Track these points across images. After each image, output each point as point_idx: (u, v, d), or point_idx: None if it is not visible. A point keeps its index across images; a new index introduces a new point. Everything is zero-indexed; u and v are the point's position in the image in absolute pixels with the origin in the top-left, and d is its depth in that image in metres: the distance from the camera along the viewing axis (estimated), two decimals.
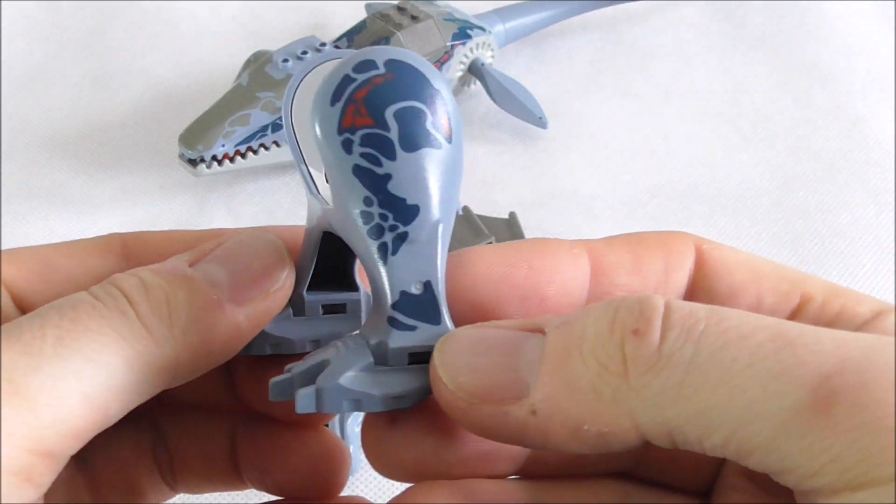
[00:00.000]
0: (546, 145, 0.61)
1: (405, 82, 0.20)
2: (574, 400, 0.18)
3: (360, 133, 0.20)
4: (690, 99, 0.64)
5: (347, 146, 0.20)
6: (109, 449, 0.26)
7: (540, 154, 0.60)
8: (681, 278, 0.23)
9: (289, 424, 0.27)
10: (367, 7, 0.66)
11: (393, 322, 0.21)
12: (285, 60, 0.56)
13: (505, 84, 0.61)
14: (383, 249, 0.21)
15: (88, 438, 0.20)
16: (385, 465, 0.22)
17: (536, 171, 0.59)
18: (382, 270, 0.21)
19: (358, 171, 0.20)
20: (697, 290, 0.23)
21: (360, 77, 0.20)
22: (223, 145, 0.54)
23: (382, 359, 0.21)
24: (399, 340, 0.21)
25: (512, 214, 0.52)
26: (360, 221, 0.20)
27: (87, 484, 0.26)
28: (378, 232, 0.20)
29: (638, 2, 0.69)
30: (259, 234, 0.24)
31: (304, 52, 0.57)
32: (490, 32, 0.62)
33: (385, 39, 0.59)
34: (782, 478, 0.17)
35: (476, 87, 0.63)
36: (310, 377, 0.21)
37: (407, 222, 0.20)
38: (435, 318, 0.21)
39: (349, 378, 0.20)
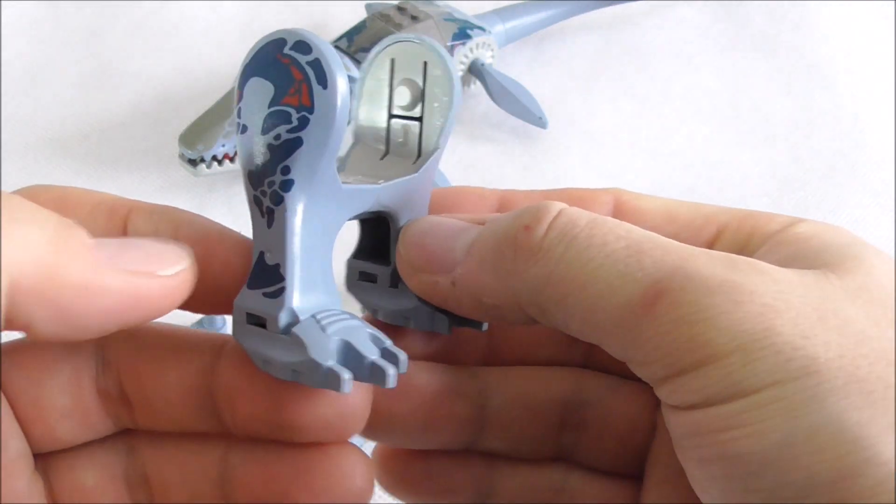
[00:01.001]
0: (546, 145, 0.61)
1: None
2: (480, 277, 0.23)
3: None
4: (690, 99, 0.64)
5: None
6: (72, 473, 0.23)
7: (540, 154, 0.60)
8: None
9: (293, 446, 0.23)
10: (367, 7, 0.66)
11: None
12: None
13: (505, 84, 0.61)
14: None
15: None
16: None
17: (536, 171, 0.59)
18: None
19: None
20: None
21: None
22: (223, 145, 0.54)
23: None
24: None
25: None
26: None
27: None
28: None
29: (638, 2, 0.69)
30: (170, 241, 0.22)
31: None
32: (490, 32, 0.62)
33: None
34: (633, 369, 0.21)
35: (476, 87, 0.63)
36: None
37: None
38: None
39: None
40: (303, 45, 0.20)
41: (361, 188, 0.23)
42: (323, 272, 0.23)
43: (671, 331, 0.20)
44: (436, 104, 0.25)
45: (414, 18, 0.60)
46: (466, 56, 0.62)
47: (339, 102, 0.20)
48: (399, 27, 0.59)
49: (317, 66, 0.20)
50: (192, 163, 0.54)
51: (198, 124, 0.54)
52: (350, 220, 0.24)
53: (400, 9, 0.61)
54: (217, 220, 0.24)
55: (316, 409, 0.22)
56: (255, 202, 0.22)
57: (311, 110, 0.20)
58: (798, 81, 0.65)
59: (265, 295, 0.22)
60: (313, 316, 0.22)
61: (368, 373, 0.21)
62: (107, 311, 0.20)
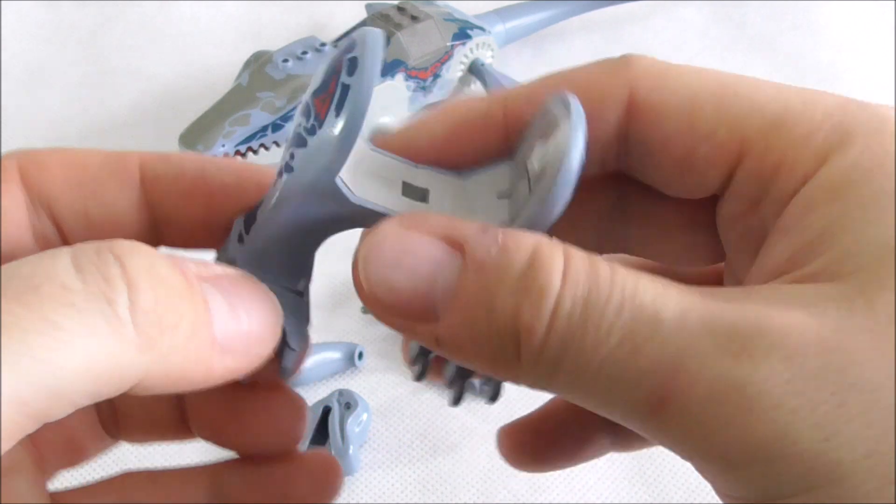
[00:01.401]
0: None
1: None
2: (471, 348, 0.20)
3: None
4: None
5: None
6: None
7: None
8: (608, 128, 0.23)
9: (242, 384, 0.24)
10: (367, 7, 0.66)
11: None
12: (285, 60, 0.56)
13: (505, 84, 0.61)
14: None
15: (17, 440, 0.17)
16: None
17: None
18: None
19: None
20: (629, 139, 0.23)
21: None
22: (223, 145, 0.54)
23: None
24: None
25: None
26: None
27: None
28: None
29: (638, 2, 0.69)
30: (266, 289, 0.21)
31: (304, 52, 0.57)
32: (490, 32, 0.62)
33: (385, 39, 0.58)
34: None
35: (476, 87, 0.63)
36: None
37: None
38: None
39: None
40: (353, 61, 0.20)
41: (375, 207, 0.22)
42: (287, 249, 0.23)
43: (683, 439, 0.19)
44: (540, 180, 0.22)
45: (414, 18, 0.60)
46: (466, 56, 0.62)
47: (333, 142, 0.20)
48: (399, 27, 0.59)
49: (345, 91, 0.20)
50: None
51: (198, 124, 0.54)
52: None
53: (400, 9, 0.61)
54: None
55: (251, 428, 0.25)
56: (282, 168, 0.22)
57: (320, 124, 0.20)
58: (798, 81, 0.64)
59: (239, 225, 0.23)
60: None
61: None
62: (207, 384, 0.20)
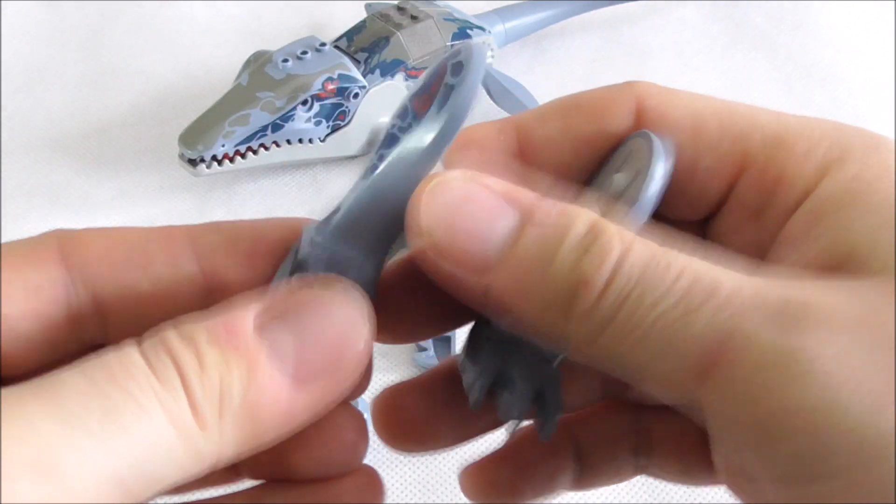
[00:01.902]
0: None
1: None
2: (520, 300, 0.20)
3: None
4: None
5: None
6: None
7: None
8: (615, 139, 0.23)
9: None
10: (367, 7, 0.66)
11: None
12: (285, 60, 0.56)
13: (505, 84, 0.61)
14: None
15: None
16: None
17: None
18: None
19: None
20: None
21: None
22: (223, 145, 0.54)
23: None
24: None
25: None
26: None
27: None
28: None
29: (638, 2, 0.69)
30: (339, 288, 0.20)
31: (304, 52, 0.57)
32: (490, 32, 0.62)
33: (385, 39, 0.59)
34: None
35: None
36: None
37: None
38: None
39: None
40: (457, 65, 0.21)
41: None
42: (369, 250, 0.22)
43: (727, 407, 0.19)
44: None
45: (414, 18, 0.60)
46: None
47: (430, 139, 0.21)
48: (399, 27, 0.59)
49: (448, 90, 0.21)
50: (192, 163, 0.54)
51: (198, 124, 0.54)
52: None
53: (400, 9, 0.61)
54: (216, 220, 0.24)
55: (313, 453, 0.23)
56: (368, 169, 0.22)
57: (418, 120, 0.21)
58: (798, 81, 0.65)
59: (319, 224, 0.22)
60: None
61: None
62: (298, 427, 0.20)
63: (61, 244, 0.22)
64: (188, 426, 0.18)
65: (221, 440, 0.18)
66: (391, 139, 0.22)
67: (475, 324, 0.25)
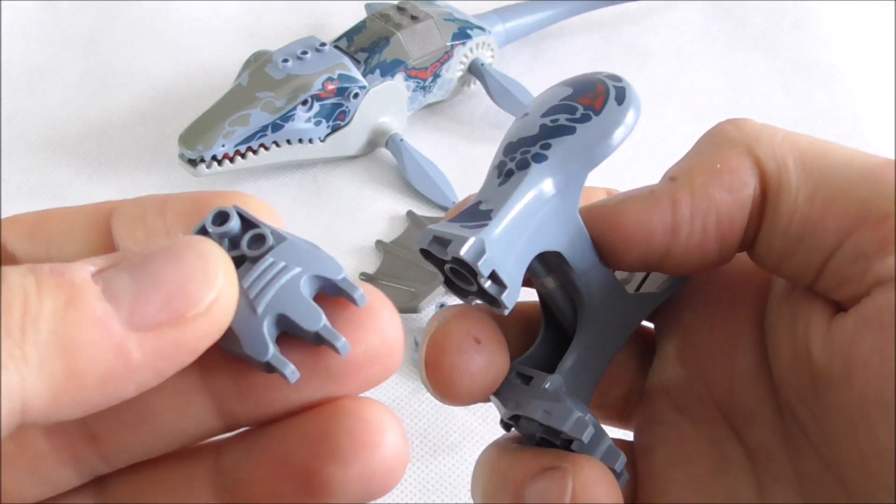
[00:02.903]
0: None
1: None
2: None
3: None
4: (690, 99, 0.64)
5: None
6: None
7: None
8: (741, 216, 0.23)
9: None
10: (367, 7, 0.66)
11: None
12: (285, 60, 0.56)
13: (505, 84, 0.61)
14: None
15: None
16: None
17: None
18: None
19: None
20: (764, 222, 0.23)
21: None
22: (223, 145, 0.54)
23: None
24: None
25: (409, 212, 0.56)
26: None
27: None
28: None
29: (638, 2, 0.69)
30: (188, 241, 0.19)
31: (304, 52, 0.57)
32: (490, 32, 0.63)
33: (385, 39, 0.59)
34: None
35: (476, 87, 0.63)
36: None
37: None
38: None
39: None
40: (616, 77, 0.23)
41: (582, 230, 0.23)
42: (517, 260, 0.22)
43: None
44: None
45: (414, 18, 0.60)
46: (466, 56, 0.62)
47: (625, 119, 0.22)
48: (399, 27, 0.59)
49: (621, 90, 0.23)
50: (192, 163, 0.54)
51: (198, 124, 0.54)
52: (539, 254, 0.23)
53: (400, 9, 0.61)
54: None
55: (348, 471, 0.20)
56: (498, 168, 0.23)
57: (597, 112, 0.23)
58: (798, 81, 0.65)
59: (464, 226, 0.22)
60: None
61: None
62: (140, 384, 0.18)
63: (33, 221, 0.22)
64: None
65: (29, 374, 0.16)
66: (559, 129, 0.23)
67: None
